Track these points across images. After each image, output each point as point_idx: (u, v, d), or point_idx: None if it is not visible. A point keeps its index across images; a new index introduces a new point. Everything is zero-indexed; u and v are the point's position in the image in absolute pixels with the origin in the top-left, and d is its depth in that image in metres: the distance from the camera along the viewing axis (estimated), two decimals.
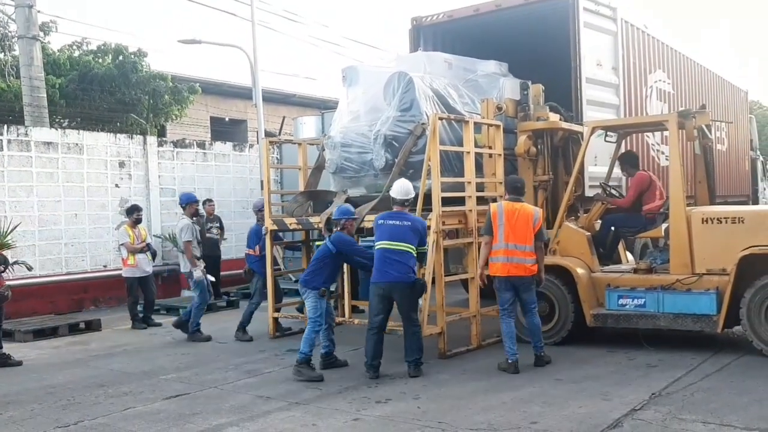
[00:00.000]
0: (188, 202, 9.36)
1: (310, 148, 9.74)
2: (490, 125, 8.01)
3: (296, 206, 8.74)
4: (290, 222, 8.61)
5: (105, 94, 18.20)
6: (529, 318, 6.93)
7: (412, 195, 6.94)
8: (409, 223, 6.73)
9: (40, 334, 9.54)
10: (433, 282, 7.28)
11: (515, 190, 6.91)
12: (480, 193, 7.89)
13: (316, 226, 8.42)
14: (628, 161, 8.51)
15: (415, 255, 6.72)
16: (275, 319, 8.95)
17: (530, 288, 6.83)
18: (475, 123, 7.83)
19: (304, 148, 9.56)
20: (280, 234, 9.45)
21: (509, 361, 6.68)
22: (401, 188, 6.89)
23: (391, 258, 6.62)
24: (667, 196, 7.75)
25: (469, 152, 7.64)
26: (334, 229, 7.21)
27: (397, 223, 6.72)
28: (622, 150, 8.86)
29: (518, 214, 6.73)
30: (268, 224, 8.74)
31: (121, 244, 10.16)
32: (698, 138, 8.18)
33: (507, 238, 6.67)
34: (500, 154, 8.03)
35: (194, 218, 9.33)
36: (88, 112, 18.35)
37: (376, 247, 6.71)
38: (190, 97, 19.76)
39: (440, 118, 7.52)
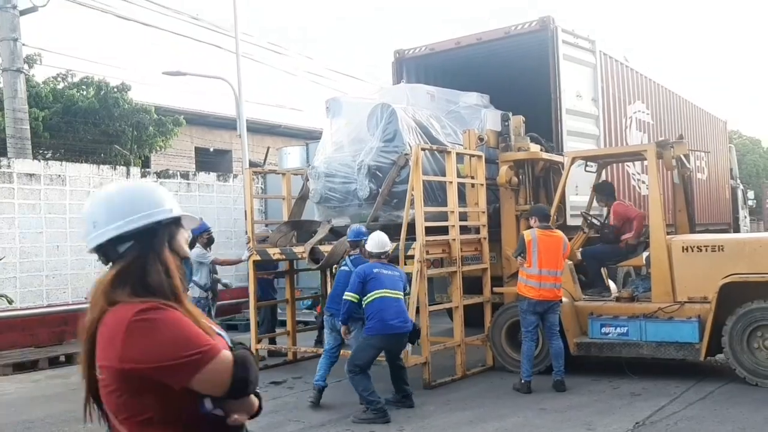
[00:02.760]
0: (200, 232, 9.28)
1: (294, 178, 9.78)
2: (473, 156, 8.09)
3: (280, 236, 8.73)
4: (273, 252, 8.59)
5: (89, 126, 18.15)
6: (554, 341, 7.11)
7: (389, 247, 6.83)
8: (399, 274, 6.69)
9: (20, 367, 9.39)
10: (418, 311, 7.28)
11: (546, 218, 7.22)
12: (463, 223, 7.95)
13: (300, 256, 8.40)
14: (604, 191, 8.60)
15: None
16: (257, 351, 8.87)
17: (556, 311, 7.13)
18: (458, 153, 7.91)
19: (288, 178, 9.59)
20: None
21: (523, 381, 6.93)
22: (378, 242, 6.68)
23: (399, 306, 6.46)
24: (646, 226, 7.84)
25: (451, 182, 7.71)
26: (352, 252, 7.07)
27: (390, 273, 6.56)
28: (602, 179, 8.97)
29: (550, 242, 7.07)
30: (252, 255, 8.71)
31: None
32: (677, 167, 8.30)
33: (540, 264, 6.97)
34: (482, 184, 8.10)
35: (207, 247, 9.29)
36: (72, 144, 18.28)
37: (377, 296, 6.38)
38: (175, 129, 19.75)
39: (423, 149, 7.59)
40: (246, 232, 9.19)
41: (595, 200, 8.81)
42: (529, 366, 6.99)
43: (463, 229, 7.95)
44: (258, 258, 8.69)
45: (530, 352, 7.05)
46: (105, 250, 1.79)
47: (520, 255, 7.14)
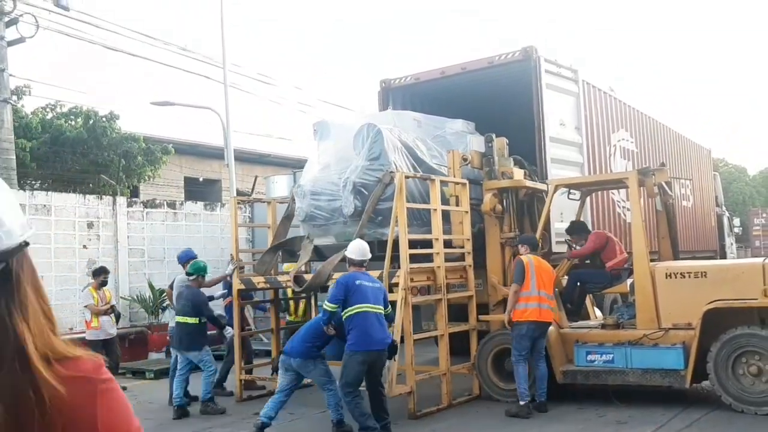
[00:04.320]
0: (187, 260, 9.14)
1: (279, 206, 9.78)
2: (457, 183, 8.10)
3: (264, 267, 8.64)
4: (258, 281, 8.53)
5: (77, 156, 18.14)
6: (540, 364, 7.24)
7: (370, 255, 6.78)
8: (379, 285, 6.65)
9: None
10: (402, 340, 7.22)
11: (535, 247, 7.57)
12: (448, 250, 7.93)
13: (284, 285, 8.34)
14: (576, 232, 8.50)
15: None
16: (242, 381, 8.73)
17: (545, 335, 7.32)
18: (441, 181, 7.92)
19: (273, 206, 9.60)
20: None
21: (522, 404, 7.02)
22: (360, 249, 6.66)
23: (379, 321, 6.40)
24: (630, 251, 7.86)
25: (436, 209, 7.71)
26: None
27: (372, 285, 6.50)
28: (587, 206, 9.02)
29: (543, 266, 7.37)
30: (236, 284, 8.66)
31: (85, 306, 9.95)
32: (659, 194, 8.35)
33: (539, 287, 7.16)
34: (467, 212, 8.12)
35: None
36: (60, 174, 18.25)
37: (359, 311, 6.31)
38: (164, 158, 19.76)
39: (407, 177, 7.59)
40: (231, 260, 9.15)
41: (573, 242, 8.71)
42: (526, 386, 7.09)
43: (449, 256, 7.95)
44: (242, 286, 8.62)
45: (525, 372, 7.16)
46: None
47: (519, 282, 7.23)
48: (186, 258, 9.13)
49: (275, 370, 8.68)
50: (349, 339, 6.32)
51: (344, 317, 6.35)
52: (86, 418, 1.06)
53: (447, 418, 7.25)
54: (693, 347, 6.94)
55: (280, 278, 8.34)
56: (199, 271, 8.31)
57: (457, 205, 8.14)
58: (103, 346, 9.97)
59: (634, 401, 7.35)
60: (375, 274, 7.28)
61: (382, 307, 6.45)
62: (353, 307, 6.30)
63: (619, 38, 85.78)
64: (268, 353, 10.11)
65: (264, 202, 10.53)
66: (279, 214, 9.57)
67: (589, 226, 9.94)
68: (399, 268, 7.30)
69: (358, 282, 6.40)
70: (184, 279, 8.99)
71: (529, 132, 9.59)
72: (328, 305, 6.38)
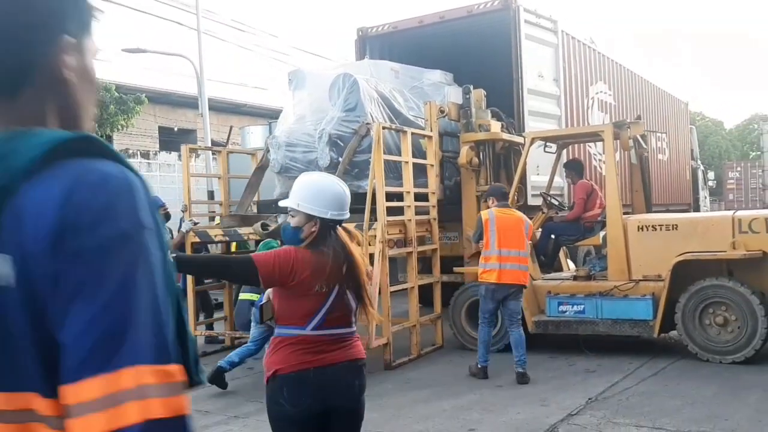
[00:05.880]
0: (156, 208, 8.92)
1: (241, 156, 9.69)
2: (424, 136, 8.01)
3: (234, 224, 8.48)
4: (215, 234, 8.33)
5: None
6: (514, 330, 6.63)
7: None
8: None
9: None
10: (380, 292, 7.24)
11: (504, 197, 6.86)
12: (419, 203, 7.89)
13: (246, 237, 8.18)
14: (573, 168, 8.64)
15: None
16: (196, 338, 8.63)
17: (518, 298, 6.68)
18: (413, 133, 7.83)
19: (224, 155, 9.54)
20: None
21: (479, 366, 6.73)
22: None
23: None
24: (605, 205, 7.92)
25: (407, 162, 7.66)
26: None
27: None
28: (564, 159, 9.03)
29: (509, 220, 6.68)
30: (190, 236, 8.38)
31: None
32: (634, 148, 8.38)
33: (500, 244, 6.54)
34: (432, 165, 8.05)
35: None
36: None
37: None
38: (137, 107, 19.35)
39: (384, 128, 7.50)
40: (183, 210, 8.95)
41: (564, 177, 8.84)
42: (485, 351, 6.75)
43: (421, 209, 7.94)
44: (197, 239, 8.35)
45: (487, 337, 6.75)
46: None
47: (479, 240, 6.76)
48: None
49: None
50: None
51: None
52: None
53: (418, 368, 7.36)
54: (662, 298, 7.08)
55: (241, 230, 8.14)
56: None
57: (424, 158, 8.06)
58: None
59: (604, 351, 7.51)
60: (352, 226, 7.19)
61: None
62: None
63: None
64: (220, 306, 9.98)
65: (215, 151, 10.54)
66: (241, 164, 9.47)
67: (565, 180, 10.02)
68: (376, 221, 7.27)
69: None
70: None
71: (507, 84, 9.51)
72: None
